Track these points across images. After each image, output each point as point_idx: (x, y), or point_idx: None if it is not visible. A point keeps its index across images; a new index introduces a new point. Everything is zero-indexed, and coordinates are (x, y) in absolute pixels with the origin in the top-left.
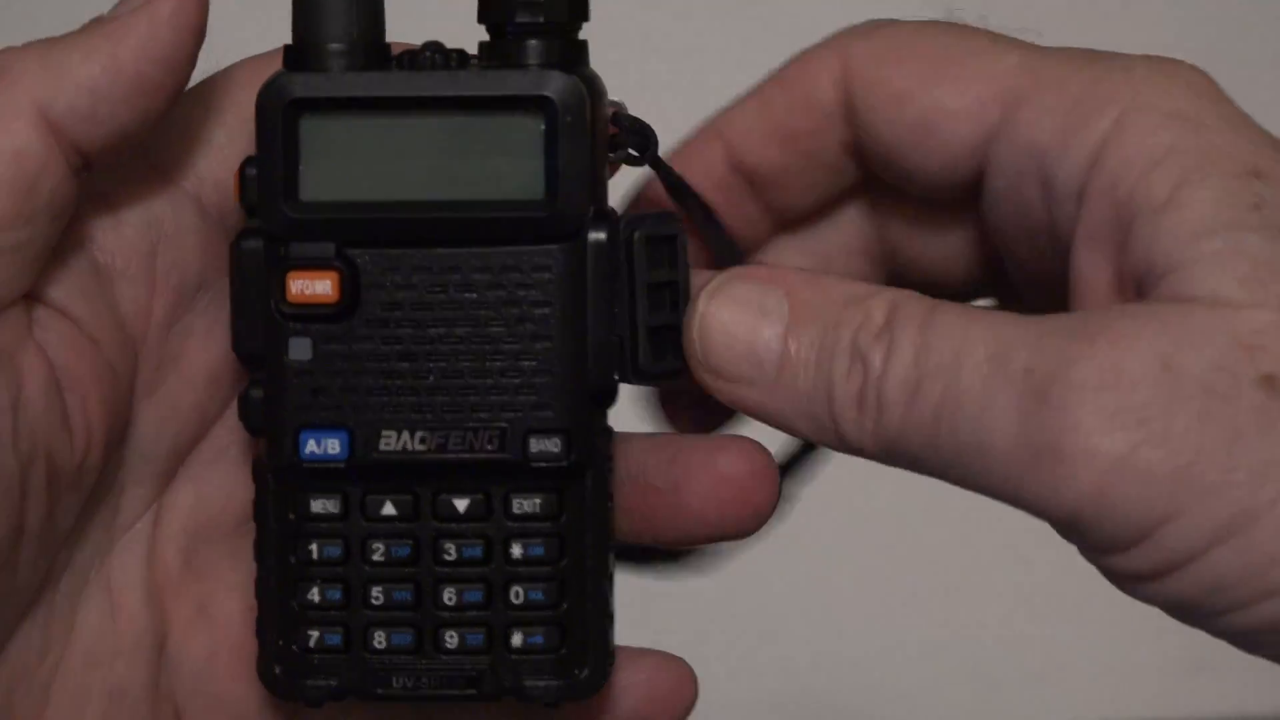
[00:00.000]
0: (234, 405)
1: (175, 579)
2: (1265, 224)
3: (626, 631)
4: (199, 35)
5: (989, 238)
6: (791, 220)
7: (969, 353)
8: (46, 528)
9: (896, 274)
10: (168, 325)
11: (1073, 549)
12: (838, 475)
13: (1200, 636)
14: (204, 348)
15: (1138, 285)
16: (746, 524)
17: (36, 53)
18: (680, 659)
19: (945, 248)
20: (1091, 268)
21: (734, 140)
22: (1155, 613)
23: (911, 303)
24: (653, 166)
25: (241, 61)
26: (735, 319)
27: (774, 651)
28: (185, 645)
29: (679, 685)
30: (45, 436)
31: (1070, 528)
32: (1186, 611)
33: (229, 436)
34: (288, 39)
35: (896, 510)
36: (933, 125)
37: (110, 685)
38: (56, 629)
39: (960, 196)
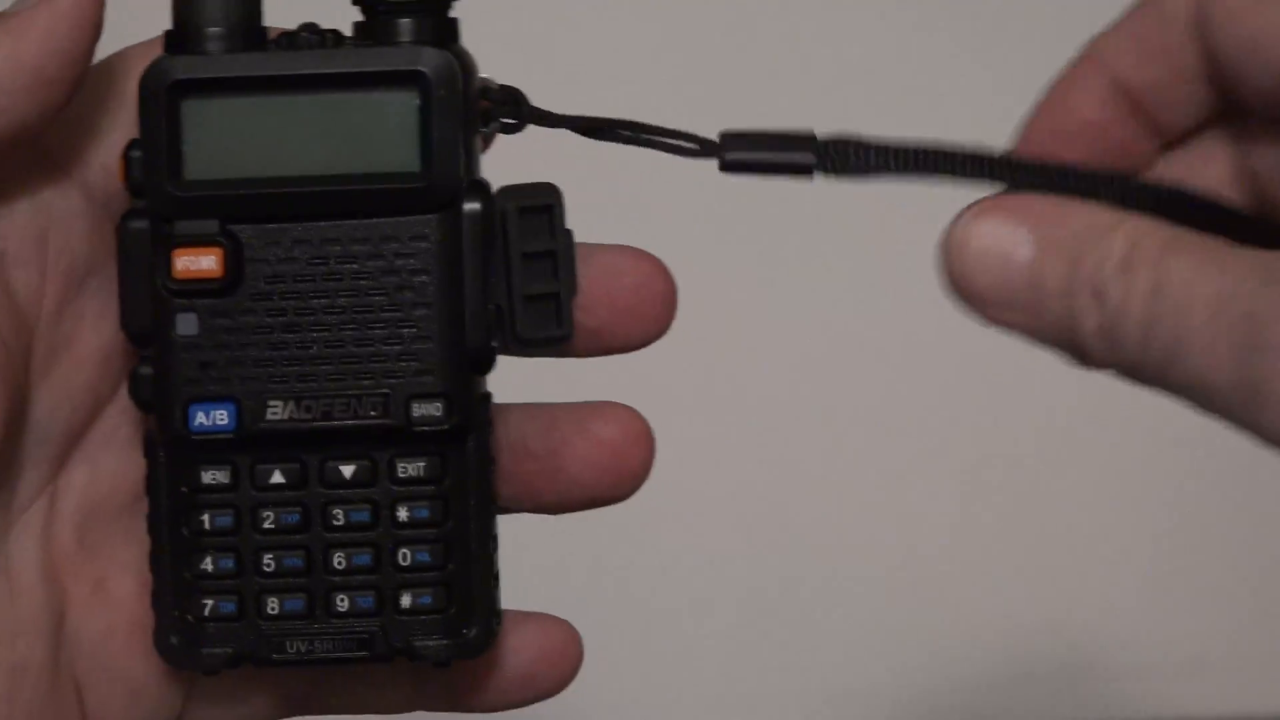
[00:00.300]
0: (125, 387)
1: (71, 558)
2: None
3: (513, 597)
4: (96, 30)
5: None
6: (1172, 140)
7: (1197, 296)
8: None
9: (1263, 201)
10: (60, 309)
11: (1071, 548)
12: (832, 470)
13: (1199, 636)
14: (95, 330)
15: None
16: (622, 487)
17: None
18: (566, 621)
19: None
20: None
21: (1112, 61)
22: (1154, 612)
23: (1150, 238)
24: (536, 123)
25: (124, 49)
26: (987, 248)
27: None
28: (83, 622)
29: (566, 645)
30: None
31: None
32: None
33: (120, 417)
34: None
35: (892, 504)
36: (1259, 45)
37: (12, 663)
38: None
39: None
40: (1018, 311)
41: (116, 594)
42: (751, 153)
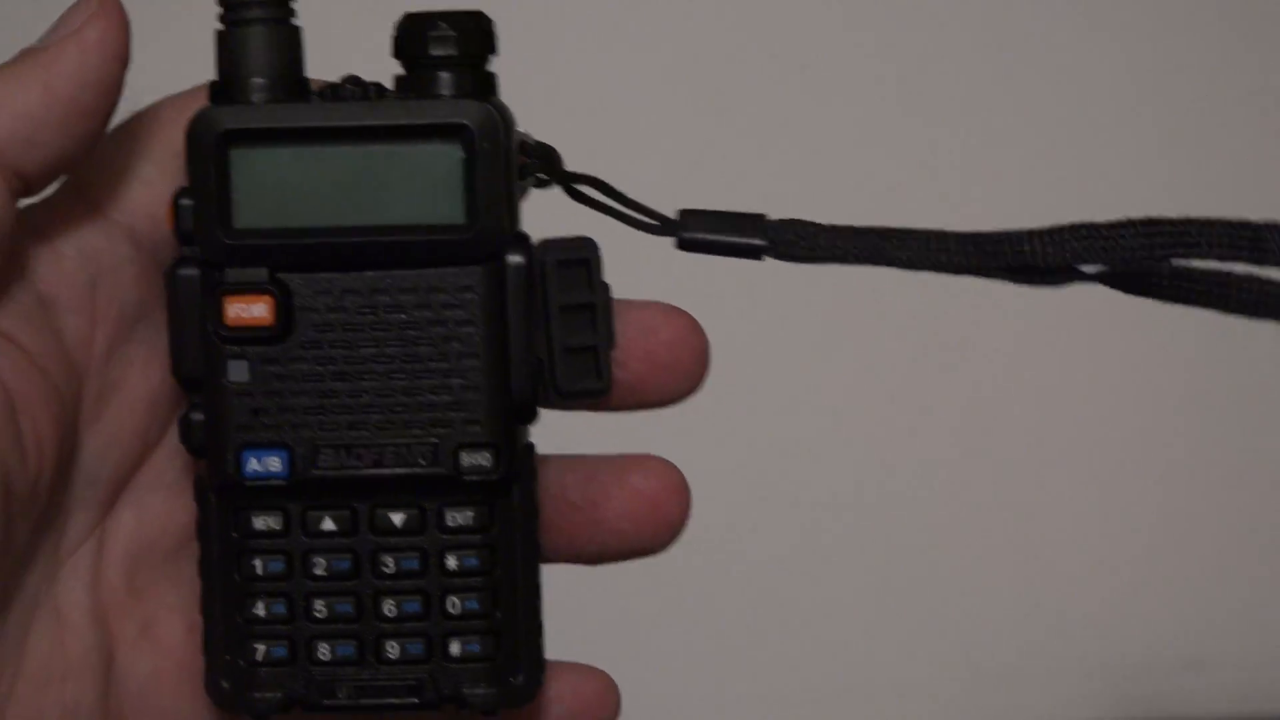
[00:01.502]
0: (172, 431)
1: (119, 600)
2: None
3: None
4: (125, 59)
5: None
6: None
7: None
8: (3, 550)
9: None
10: (109, 354)
11: (1072, 549)
12: (829, 481)
13: (1199, 636)
14: (143, 376)
15: None
16: (660, 538)
17: None
18: (603, 671)
19: None
20: None
21: None
22: (1154, 612)
23: None
24: (564, 180)
25: (165, 99)
26: None
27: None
28: (131, 664)
29: (604, 695)
30: (2, 458)
31: None
32: None
33: (167, 462)
34: (199, 76)
35: (892, 504)
36: None
37: (62, 705)
38: (9, 651)
39: None
40: None
41: (164, 636)
42: (707, 233)
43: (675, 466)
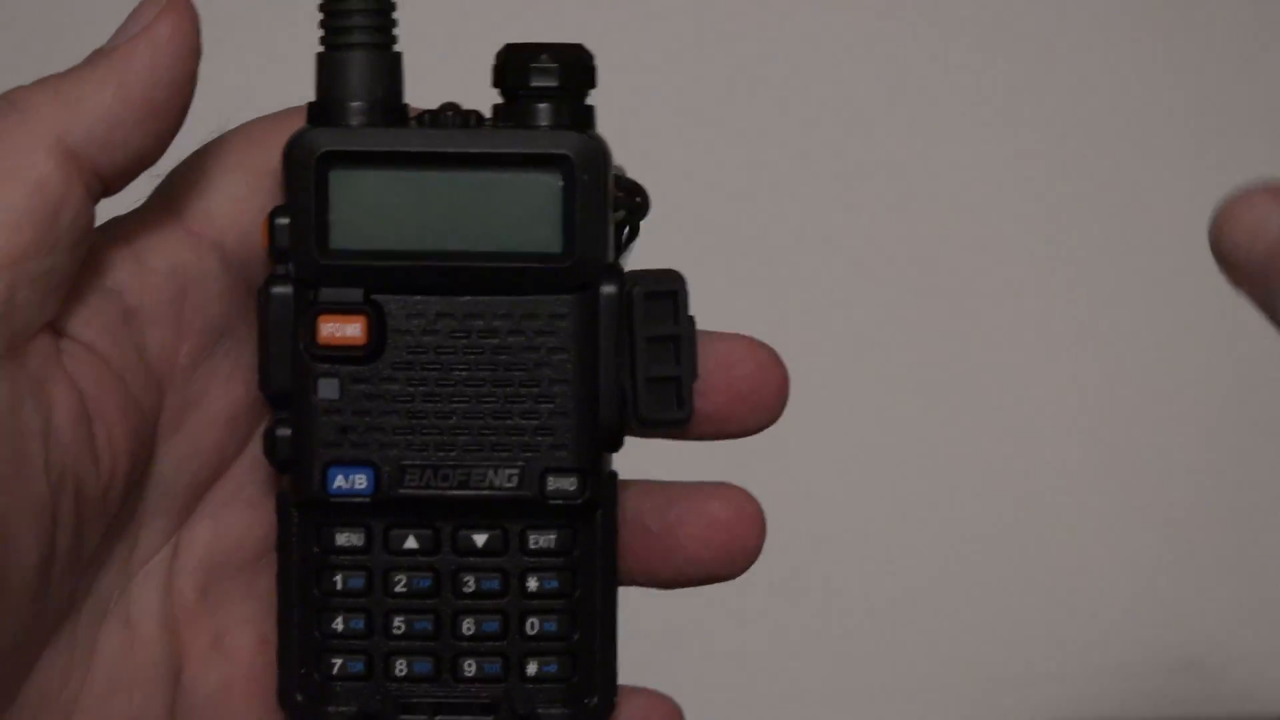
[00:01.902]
0: (251, 446)
1: (191, 611)
2: None
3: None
4: (197, 55)
5: None
6: None
7: None
8: (73, 554)
9: None
10: (192, 368)
11: (1071, 548)
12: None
13: (1196, 636)
14: (225, 390)
15: None
16: (736, 565)
17: (48, 87)
18: (670, 698)
19: None
20: None
21: None
22: (1151, 612)
23: None
24: (636, 225)
25: (257, 118)
26: (1243, 216)
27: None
28: (201, 676)
29: None
30: (74, 463)
31: None
32: None
33: (246, 476)
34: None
35: (890, 504)
36: None
37: (129, 714)
38: (78, 657)
39: None
40: (1255, 282)
41: (235, 649)
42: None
43: (752, 495)
